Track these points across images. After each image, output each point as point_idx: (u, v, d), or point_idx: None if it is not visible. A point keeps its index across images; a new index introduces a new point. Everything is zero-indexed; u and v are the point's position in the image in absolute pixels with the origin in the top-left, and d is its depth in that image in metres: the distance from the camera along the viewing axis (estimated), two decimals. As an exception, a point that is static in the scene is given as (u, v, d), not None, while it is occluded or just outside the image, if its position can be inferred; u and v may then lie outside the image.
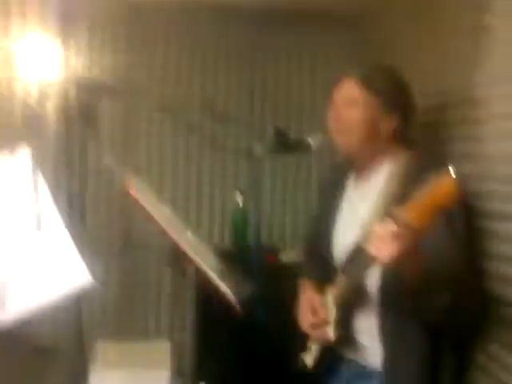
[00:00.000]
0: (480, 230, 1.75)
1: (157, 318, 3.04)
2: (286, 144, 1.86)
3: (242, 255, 2.78)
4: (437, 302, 1.50)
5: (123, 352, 2.77)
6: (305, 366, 1.80)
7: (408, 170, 1.72)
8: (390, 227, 1.32)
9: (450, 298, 1.50)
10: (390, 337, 1.70)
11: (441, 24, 2.13)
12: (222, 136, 3.02)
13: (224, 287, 1.74)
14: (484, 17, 1.78)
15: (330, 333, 1.74)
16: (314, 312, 1.80)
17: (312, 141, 1.83)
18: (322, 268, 1.92)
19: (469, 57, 1.88)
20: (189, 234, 1.85)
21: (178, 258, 1.92)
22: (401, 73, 1.87)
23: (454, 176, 1.25)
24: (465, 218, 1.67)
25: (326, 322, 1.75)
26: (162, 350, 2.54)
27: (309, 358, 1.80)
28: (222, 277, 1.78)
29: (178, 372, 2.50)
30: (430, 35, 2.22)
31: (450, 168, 1.25)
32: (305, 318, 1.84)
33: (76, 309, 1.78)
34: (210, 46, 3.03)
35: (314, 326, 1.79)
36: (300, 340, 1.85)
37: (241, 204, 2.88)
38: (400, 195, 1.54)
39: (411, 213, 1.29)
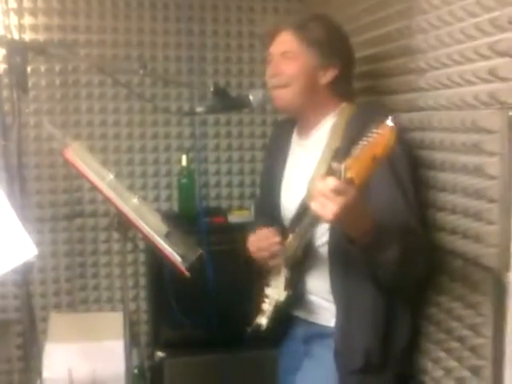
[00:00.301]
0: (425, 181, 1.77)
1: (109, 287, 3.02)
2: (226, 102, 1.84)
3: (189, 218, 2.78)
4: (387, 255, 1.49)
5: (76, 323, 2.77)
6: (259, 327, 1.81)
7: (349, 123, 1.72)
8: (332, 183, 1.28)
9: (399, 251, 1.49)
10: (343, 296, 1.71)
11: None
12: (163, 97, 2.97)
13: (170, 251, 1.74)
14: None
15: (280, 291, 1.76)
16: (265, 238, 1.80)
17: (252, 97, 1.81)
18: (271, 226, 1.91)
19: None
20: (134, 199, 1.83)
21: (124, 224, 1.91)
22: (338, 23, 1.85)
23: (392, 126, 1.23)
24: (409, 168, 1.68)
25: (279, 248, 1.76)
26: (116, 319, 2.53)
27: (263, 320, 1.81)
28: (169, 241, 1.77)
29: (133, 342, 2.51)
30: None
31: (389, 118, 1.24)
32: (255, 244, 1.84)
33: (23, 280, 1.75)
34: (147, 6, 2.95)
35: (265, 250, 1.80)
36: (252, 302, 1.87)
37: (185, 165, 2.85)
38: (341, 149, 1.54)
39: (352, 167, 1.26)
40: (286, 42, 1.79)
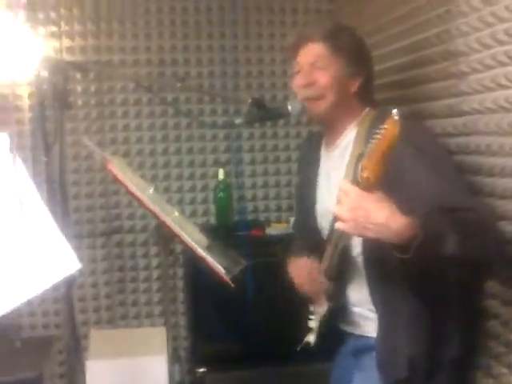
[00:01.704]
0: (471, 186, 1.71)
1: (148, 302, 3.03)
2: (264, 112, 1.84)
3: (227, 231, 2.78)
4: (449, 245, 1.36)
5: (117, 339, 2.76)
6: (308, 345, 1.81)
7: (370, 128, 1.69)
8: (349, 188, 1.32)
9: (456, 236, 1.36)
10: (383, 305, 1.68)
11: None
12: (198, 113, 2.99)
13: (214, 262, 1.73)
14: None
15: (323, 305, 1.75)
16: (309, 271, 1.80)
17: (291, 107, 1.80)
18: (311, 244, 1.90)
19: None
20: (175, 212, 1.83)
21: (164, 237, 1.91)
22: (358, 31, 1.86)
23: (395, 119, 1.26)
24: (440, 150, 1.67)
25: (320, 275, 1.74)
26: (157, 335, 2.53)
27: (311, 337, 1.80)
28: (211, 252, 1.76)
29: (174, 357, 2.50)
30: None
31: (394, 112, 1.26)
32: (298, 273, 1.84)
33: (67, 296, 1.76)
34: (179, 24, 2.98)
35: (310, 283, 1.79)
36: (293, 315, 1.85)
37: (222, 179, 2.86)
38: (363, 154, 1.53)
39: (367, 166, 1.29)
40: (315, 52, 1.78)
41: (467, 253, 1.38)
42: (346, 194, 1.35)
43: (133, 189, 1.67)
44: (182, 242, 1.74)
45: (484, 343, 1.73)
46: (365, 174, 1.30)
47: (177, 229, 1.71)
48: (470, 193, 1.61)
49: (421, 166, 1.56)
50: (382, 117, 1.53)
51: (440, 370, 1.65)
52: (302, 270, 1.83)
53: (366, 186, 1.32)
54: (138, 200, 1.71)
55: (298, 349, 1.80)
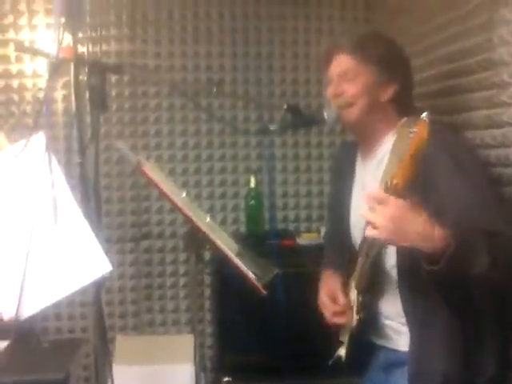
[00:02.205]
0: (503, 197, 1.69)
1: (175, 310, 3.02)
2: (300, 119, 1.83)
3: (257, 240, 2.75)
4: (479, 263, 1.36)
5: (143, 346, 2.76)
6: (340, 359, 1.78)
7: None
8: (381, 195, 1.31)
9: (490, 257, 1.36)
10: (415, 319, 1.65)
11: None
12: (232, 119, 2.99)
13: (245, 269, 1.71)
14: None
15: (353, 317, 1.72)
16: (334, 300, 1.79)
17: (327, 114, 1.79)
18: (342, 255, 1.89)
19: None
20: (207, 217, 1.82)
21: (194, 243, 1.89)
22: (392, 37, 1.84)
23: (423, 121, 1.25)
24: (480, 167, 1.63)
25: (348, 308, 1.73)
26: (184, 342, 2.51)
27: (342, 351, 1.78)
28: (243, 259, 1.75)
29: (200, 366, 2.48)
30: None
31: (423, 115, 1.25)
32: (326, 308, 1.84)
33: (97, 299, 1.74)
34: (215, 31, 2.99)
35: (336, 314, 1.78)
36: (322, 327, 1.82)
37: (254, 187, 2.84)
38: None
39: (398, 173, 1.28)
40: (343, 63, 1.78)
41: (496, 276, 1.39)
42: (378, 201, 1.33)
43: (168, 192, 1.66)
44: (215, 248, 1.73)
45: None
46: (395, 181, 1.29)
47: (210, 234, 1.70)
48: (504, 215, 1.56)
49: (458, 182, 1.53)
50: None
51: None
52: (329, 306, 1.82)
53: (396, 193, 1.30)
54: (173, 203, 1.70)
55: (330, 363, 1.77)
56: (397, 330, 1.74)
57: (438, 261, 1.35)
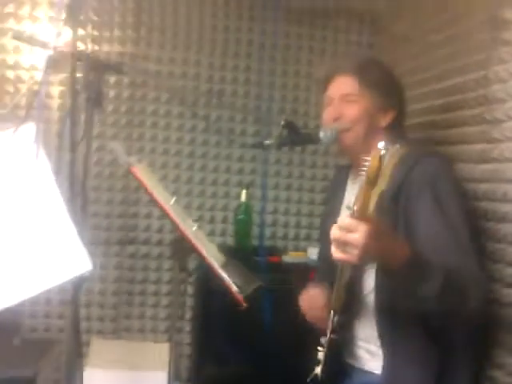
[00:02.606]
0: (493, 234, 1.70)
1: (154, 317, 2.98)
2: (296, 136, 1.83)
3: (244, 254, 2.73)
4: (427, 287, 1.40)
5: (119, 350, 2.72)
6: (316, 377, 1.76)
7: (397, 165, 1.65)
8: (343, 223, 1.29)
9: (440, 285, 1.40)
10: (390, 343, 1.66)
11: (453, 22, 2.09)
12: (228, 132, 2.98)
13: (228, 280, 1.70)
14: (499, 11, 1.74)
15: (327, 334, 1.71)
16: (314, 301, 1.79)
17: (323, 133, 1.79)
18: (332, 276, 1.87)
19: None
20: (194, 226, 1.80)
21: (180, 251, 1.87)
22: (390, 66, 1.87)
23: (377, 149, 1.24)
24: (460, 206, 1.63)
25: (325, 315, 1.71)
26: (160, 350, 2.48)
27: (317, 369, 1.75)
28: (227, 270, 1.74)
29: (175, 375, 2.45)
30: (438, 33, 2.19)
31: (379, 144, 1.24)
32: (303, 301, 1.83)
33: (74, 299, 1.72)
34: (219, 41, 2.99)
35: (320, 314, 1.76)
36: (303, 343, 1.80)
37: (244, 201, 2.82)
38: (387, 192, 1.47)
39: (358, 198, 1.29)
40: (346, 85, 1.79)
41: (445, 301, 1.42)
42: (344, 227, 1.31)
43: (158, 197, 1.65)
44: (200, 257, 1.72)
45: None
46: (355, 207, 1.29)
47: (195, 242, 1.68)
48: (477, 253, 1.59)
49: (435, 221, 1.56)
50: (411, 155, 1.58)
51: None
52: (313, 300, 1.81)
53: (359, 218, 1.29)
54: (161, 208, 1.69)
55: (308, 380, 1.75)
56: (371, 352, 1.75)
57: (393, 271, 1.40)
